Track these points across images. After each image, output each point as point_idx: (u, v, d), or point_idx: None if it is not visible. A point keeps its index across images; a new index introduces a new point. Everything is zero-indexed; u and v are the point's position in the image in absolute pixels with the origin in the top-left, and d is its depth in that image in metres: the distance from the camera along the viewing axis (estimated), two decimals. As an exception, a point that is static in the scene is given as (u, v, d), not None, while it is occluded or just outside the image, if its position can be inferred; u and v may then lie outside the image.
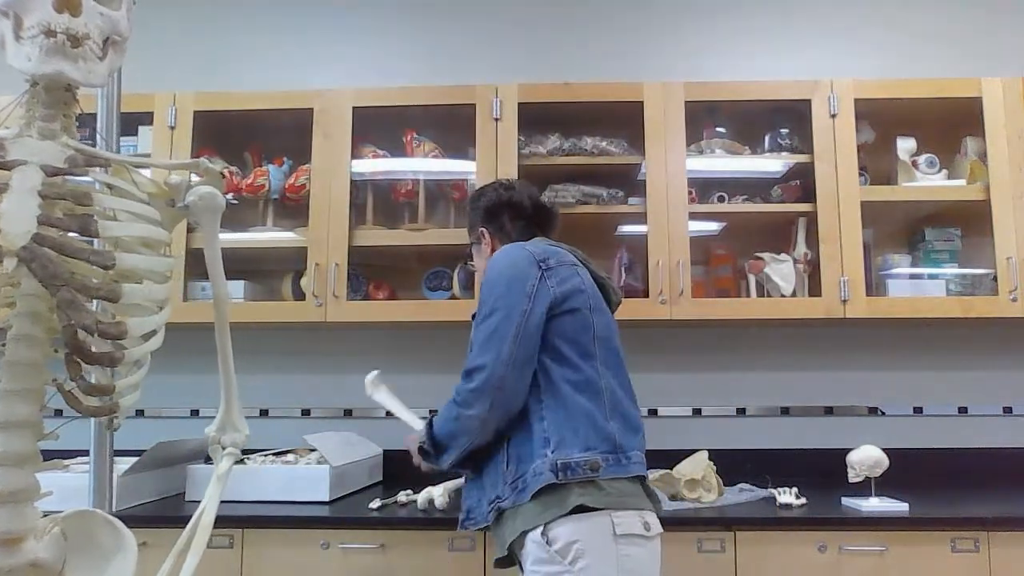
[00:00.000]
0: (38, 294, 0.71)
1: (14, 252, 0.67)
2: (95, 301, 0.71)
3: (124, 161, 0.80)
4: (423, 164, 2.93)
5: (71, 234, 0.70)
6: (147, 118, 2.85)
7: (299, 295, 2.96)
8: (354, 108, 2.83)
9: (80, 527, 0.78)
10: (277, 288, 3.06)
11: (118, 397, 0.76)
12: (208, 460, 2.73)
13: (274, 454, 2.74)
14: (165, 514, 2.34)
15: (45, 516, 0.76)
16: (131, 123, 2.84)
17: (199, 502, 2.49)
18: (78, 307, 0.67)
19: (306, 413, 3.13)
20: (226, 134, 3.02)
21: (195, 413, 3.13)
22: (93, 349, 0.71)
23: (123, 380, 0.76)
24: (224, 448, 0.95)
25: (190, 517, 2.39)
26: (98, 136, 1.25)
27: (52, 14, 0.71)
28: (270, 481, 2.46)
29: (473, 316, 1.91)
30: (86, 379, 0.72)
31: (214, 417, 0.97)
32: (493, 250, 2.03)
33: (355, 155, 2.87)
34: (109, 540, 0.79)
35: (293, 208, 2.99)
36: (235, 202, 2.96)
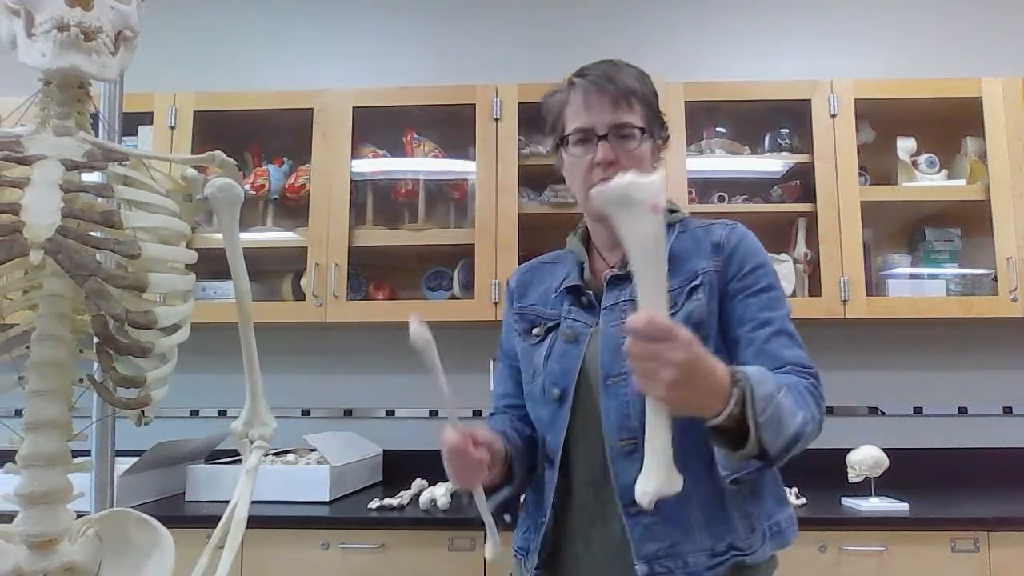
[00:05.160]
0: (61, 294, 0.71)
1: (40, 244, 0.67)
2: (122, 291, 0.71)
3: (141, 155, 0.80)
4: (423, 164, 2.93)
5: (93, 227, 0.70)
6: (147, 118, 2.85)
7: (299, 295, 2.96)
8: (354, 108, 2.83)
9: (114, 528, 0.78)
10: (277, 288, 3.05)
11: (149, 390, 0.75)
12: (208, 460, 2.73)
13: (274, 454, 2.74)
14: (165, 514, 2.33)
15: (78, 518, 0.76)
16: (131, 123, 2.84)
17: (199, 502, 2.50)
18: (107, 296, 0.67)
19: (306, 413, 3.12)
20: (226, 134, 3.01)
21: (195, 413, 3.13)
22: (123, 340, 0.71)
23: (152, 373, 0.76)
24: (252, 442, 0.95)
25: (191, 517, 2.39)
26: (101, 128, 1.25)
27: (65, 8, 0.71)
28: (270, 481, 2.46)
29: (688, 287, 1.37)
30: (118, 371, 0.72)
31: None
32: (653, 164, 1.45)
33: (355, 155, 2.86)
34: (145, 539, 0.78)
35: (293, 208, 2.98)
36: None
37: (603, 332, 1.37)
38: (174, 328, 0.78)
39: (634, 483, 1.21)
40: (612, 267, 1.43)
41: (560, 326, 1.44)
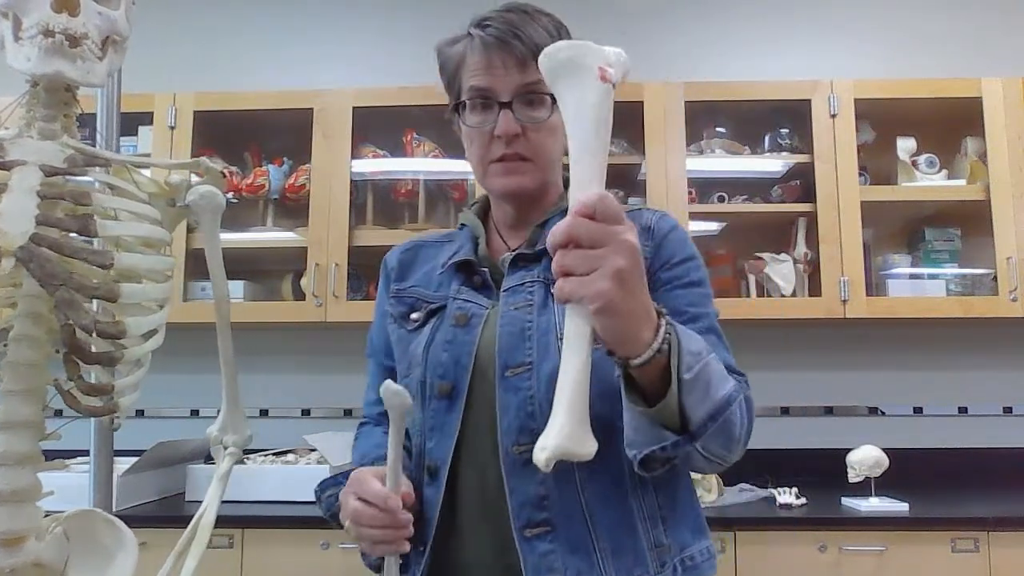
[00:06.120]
0: (39, 295, 0.71)
1: (12, 252, 0.67)
2: (94, 300, 0.71)
3: (124, 161, 0.80)
4: (423, 164, 2.93)
5: (71, 234, 0.70)
6: (147, 118, 2.85)
7: (299, 295, 2.96)
8: (354, 108, 2.84)
9: (82, 527, 0.78)
10: (277, 288, 3.06)
11: (118, 397, 0.75)
12: (208, 460, 2.73)
13: (274, 454, 2.74)
14: (165, 514, 2.34)
15: (47, 516, 0.76)
16: (131, 123, 2.84)
17: (199, 502, 2.49)
18: (76, 307, 0.67)
19: (306, 413, 3.12)
20: (226, 134, 3.03)
21: (195, 413, 3.13)
22: (92, 349, 0.71)
23: (123, 380, 0.76)
24: (226, 448, 0.95)
25: (190, 517, 2.39)
26: (98, 135, 1.25)
27: (50, 14, 0.71)
28: (270, 481, 2.46)
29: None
30: (85, 379, 0.72)
31: (214, 417, 0.97)
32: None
33: (355, 155, 2.87)
34: (110, 540, 0.78)
35: (293, 208, 2.98)
36: (235, 201, 2.96)
37: (503, 315, 1.14)
38: (148, 334, 0.78)
39: (532, 499, 1.06)
40: (514, 250, 1.21)
41: (447, 308, 1.19)
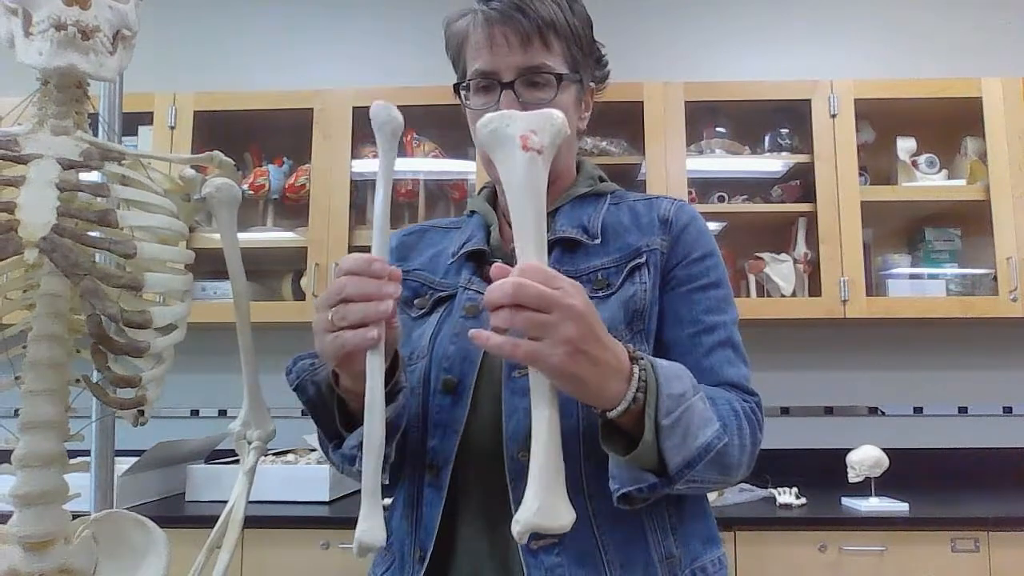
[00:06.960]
0: (59, 293, 0.70)
1: (35, 243, 0.67)
2: (118, 291, 0.71)
3: (139, 155, 0.80)
4: (423, 164, 2.93)
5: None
6: (147, 118, 2.85)
7: (299, 295, 2.96)
8: (354, 108, 2.83)
9: (110, 529, 0.77)
10: (277, 288, 3.05)
11: (143, 390, 0.75)
12: (208, 460, 2.73)
13: (274, 454, 2.74)
14: (165, 514, 2.33)
15: (75, 519, 0.75)
16: (131, 123, 2.84)
17: (199, 502, 2.50)
18: (102, 295, 0.67)
19: (306, 413, 3.10)
20: (226, 134, 3.02)
21: (195, 413, 3.13)
22: (118, 339, 0.71)
23: (148, 373, 0.76)
24: (250, 443, 0.95)
25: (191, 517, 2.38)
26: (100, 130, 1.25)
27: (62, 7, 0.71)
28: (270, 481, 2.46)
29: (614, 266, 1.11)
30: (113, 370, 0.71)
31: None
32: (585, 113, 1.26)
33: (355, 155, 2.86)
34: (141, 540, 0.78)
35: (293, 208, 2.98)
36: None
37: None
38: (170, 328, 0.77)
39: None
40: None
41: (456, 298, 1.12)
